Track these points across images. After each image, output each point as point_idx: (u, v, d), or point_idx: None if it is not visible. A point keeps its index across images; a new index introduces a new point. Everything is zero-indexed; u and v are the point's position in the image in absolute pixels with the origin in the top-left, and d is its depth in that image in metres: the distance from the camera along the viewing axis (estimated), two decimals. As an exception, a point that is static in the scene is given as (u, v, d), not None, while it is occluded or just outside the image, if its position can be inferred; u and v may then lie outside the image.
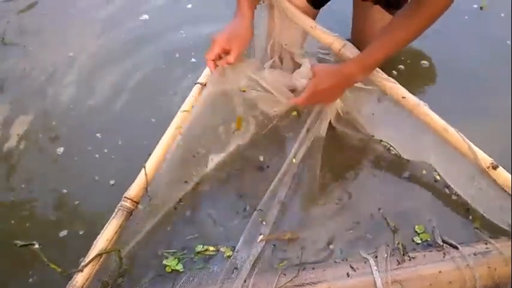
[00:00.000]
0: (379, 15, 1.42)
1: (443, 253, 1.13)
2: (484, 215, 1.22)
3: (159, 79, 1.67)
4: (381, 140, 1.39)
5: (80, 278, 1.03)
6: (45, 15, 1.94)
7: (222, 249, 1.19)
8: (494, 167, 1.15)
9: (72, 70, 1.72)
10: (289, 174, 1.28)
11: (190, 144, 1.26)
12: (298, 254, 1.17)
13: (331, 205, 1.30)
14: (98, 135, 1.50)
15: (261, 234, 1.18)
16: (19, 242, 1.22)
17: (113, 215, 1.12)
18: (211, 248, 1.20)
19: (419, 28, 1.12)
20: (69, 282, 1.03)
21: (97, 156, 1.44)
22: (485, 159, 1.16)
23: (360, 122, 1.39)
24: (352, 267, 1.11)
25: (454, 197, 1.29)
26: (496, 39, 1.75)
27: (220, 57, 1.25)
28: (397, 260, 1.12)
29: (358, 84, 1.28)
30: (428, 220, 1.26)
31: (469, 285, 1.08)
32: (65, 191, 1.36)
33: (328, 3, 1.46)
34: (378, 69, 1.25)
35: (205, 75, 1.35)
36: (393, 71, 1.61)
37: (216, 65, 1.25)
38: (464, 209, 1.27)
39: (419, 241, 1.21)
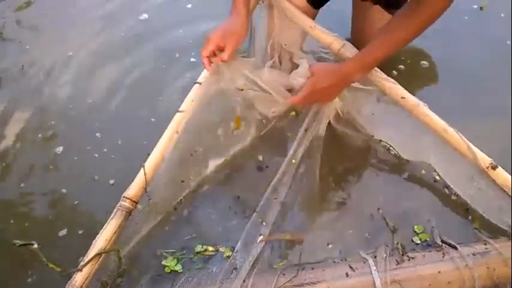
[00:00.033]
0: (379, 15, 1.42)
1: (443, 253, 1.13)
2: (483, 215, 1.22)
3: (159, 78, 1.67)
4: (381, 140, 1.39)
5: (79, 278, 1.03)
6: (44, 13, 1.94)
7: (221, 249, 1.19)
8: (494, 167, 1.15)
9: (71, 68, 1.72)
10: (288, 175, 1.28)
11: (188, 144, 1.26)
12: (297, 254, 1.17)
13: (330, 205, 1.30)
14: (97, 134, 1.50)
15: (260, 234, 1.18)
16: (18, 242, 1.22)
17: (112, 215, 1.12)
18: (211, 248, 1.20)
19: (419, 28, 1.12)
20: (69, 282, 1.02)
21: (96, 155, 1.44)
22: (484, 159, 1.16)
23: (359, 122, 1.38)
24: (351, 267, 1.11)
25: (453, 197, 1.29)
26: (496, 40, 1.74)
27: (215, 55, 1.24)
28: (396, 260, 1.12)
29: (358, 85, 1.28)
30: (427, 220, 1.26)
31: (468, 286, 1.08)
32: (64, 190, 1.36)
33: (328, 3, 1.46)
34: (377, 69, 1.25)
35: (204, 75, 1.34)
36: (393, 71, 1.61)
37: (211, 62, 1.25)
38: (463, 209, 1.27)
39: (419, 241, 1.22)
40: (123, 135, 1.49)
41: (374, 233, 1.24)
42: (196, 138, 1.28)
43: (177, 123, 1.24)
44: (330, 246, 1.21)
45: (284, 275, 1.09)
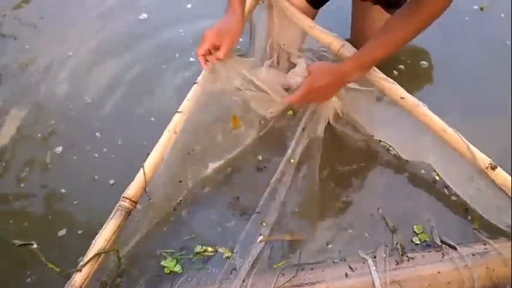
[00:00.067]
0: (379, 15, 1.42)
1: (442, 253, 1.13)
2: (483, 215, 1.22)
3: (159, 78, 1.67)
4: (380, 141, 1.39)
5: (78, 278, 1.03)
6: (43, 9, 1.94)
7: (220, 250, 1.19)
8: (493, 168, 1.15)
9: (70, 67, 1.72)
10: (287, 175, 1.28)
11: (187, 144, 1.26)
12: (297, 254, 1.17)
13: (330, 205, 1.30)
14: (97, 134, 1.50)
15: (260, 234, 1.18)
16: (17, 242, 1.23)
17: (112, 215, 1.12)
18: (210, 249, 1.20)
19: (418, 28, 1.12)
20: (68, 282, 1.02)
21: (96, 155, 1.44)
22: (483, 159, 1.16)
23: (359, 122, 1.39)
24: (350, 268, 1.11)
25: (453, 198, 1.29)
26: (496, 40, 1.74)
27: (210, 53, 1.24)
28: (396, 260, 1.12)
29: (357, 86, 1.28)
30: (427, 220, 1.26)
31: (468, 286, 1.08)
32: (63, 190, 1.36)
33: (328, 3, 1.46)
34: (376, 69, 1.25)
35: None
36: (394, 71, 1.61)
37: (207, 61, 1.25)
38: (463, 210, 1.27)
39: (418, 241, 1.21)
40: (123, 134, 1.49)
41: (373, 233, 1.24)
42: (195, 138, 1.28)
43: (176, 123, 1.24)
44: (330, 246, 1.21)
45: (283, 275, 1.09)
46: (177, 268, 1.16)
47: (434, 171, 1.31)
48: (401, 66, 1.64)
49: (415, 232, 1.23)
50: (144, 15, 1.91)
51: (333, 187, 1.34)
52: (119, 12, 1.92)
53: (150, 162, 1.18)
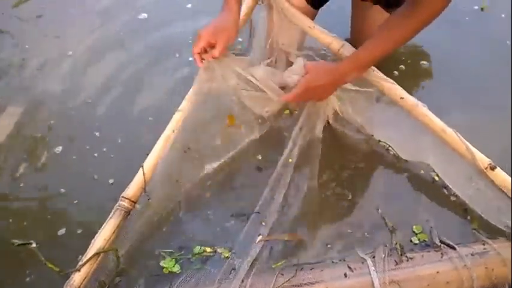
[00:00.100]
0: (379, 16, 1.41)
1: (441, 253, 1.13)
2: (482, 215, 1.22)
3: (158, 78, 1.67)
4: (380, 141, 1.39)
5: (77, 278, 1.03)
6: (43, 8, 1.94)
7: (219, 250, 1.19)
8: (492, 168, 1.15)
9: (69, 66, 1.72)
10: (286, 175, 1.28)
11: (186, 143, 1.26)
12: (296, 254, 1.17)
13: (329, 205, 1.30)
14: (96, 133, 1.50)
15: (259, 234, 1.18)
16: (16, 241, 1.23)
17: (111, 215, 1.12)
18: (209, 249, 1.20)
19: (416, 28, 1.12)
20: (67, 281, 1.03)
21: (96, 155, 1.44)
22: (483, 160, 1.16)
23: (358, 122, 1.38)
24: (349, 268, 1.11)
25: (452, 198, 1.29)
26: (496, 40, 1.75)
27: (206, 51, 1.24)
28: (395, 261, 1.12)
29: (356, 87, 1.28)
30: (426, 220, 1.25)
31: (467, 286, 1.08)
32: (63, 190, 1.36)
33: (327, 3, 1.46)
34: (376, 69, 1.25)
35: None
36: (394, 71, 1.61)
37: (203, 59, 1.25)
38: (462, 210, 1.27)
39: (417, 241, 1.21)
40: (123, 134, 1.49)
41: (373, 233, 1.24)
42: (194, 137, 1.28)
43: (175, 122, 1.24)
44: (329, 246, 1.21)
45: (283, 275, 1.09)
46: (176, 268, 1.16)
47: (434, 171, 1.31)
48: (402, 66, 1.64)
49: (414, 232, 1.23)
50: (144, 15, 1.91)
51: (333, 187, 1.34)
52: (118, 12, 1.93)
53: (149, 162, 1.19)
